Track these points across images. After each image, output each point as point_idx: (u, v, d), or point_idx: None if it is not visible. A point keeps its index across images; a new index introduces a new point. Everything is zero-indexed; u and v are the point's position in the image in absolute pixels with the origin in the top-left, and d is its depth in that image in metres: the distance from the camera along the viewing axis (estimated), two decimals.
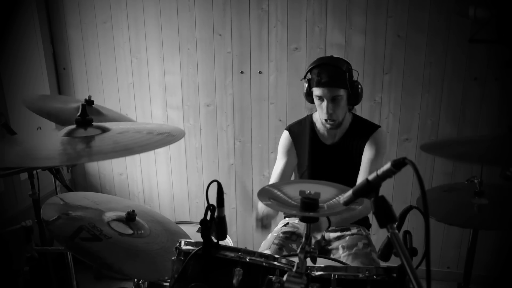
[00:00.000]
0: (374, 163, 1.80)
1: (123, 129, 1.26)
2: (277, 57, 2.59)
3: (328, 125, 1.80)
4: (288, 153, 1.93)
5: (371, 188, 0.92)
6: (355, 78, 1.80)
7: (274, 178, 1.93)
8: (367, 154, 1.83)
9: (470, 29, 2.32)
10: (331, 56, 1.83)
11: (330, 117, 1.76)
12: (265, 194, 1.12)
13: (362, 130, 1.86)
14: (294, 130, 1.94)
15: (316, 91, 1.75)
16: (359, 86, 1.78)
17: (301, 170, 1.96)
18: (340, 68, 1.72)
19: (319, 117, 1.84)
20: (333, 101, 1.74)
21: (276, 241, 1.81)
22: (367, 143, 1.84)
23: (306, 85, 1.81)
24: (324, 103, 1.75)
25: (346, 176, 1.78)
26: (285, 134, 1.96)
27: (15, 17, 2.54)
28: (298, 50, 2.56)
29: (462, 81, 2.45)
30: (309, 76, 1.79)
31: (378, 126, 1.88)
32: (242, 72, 2.65)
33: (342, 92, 1.73)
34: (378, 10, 2.43)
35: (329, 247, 1.86)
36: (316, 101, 1.79)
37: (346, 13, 2.47)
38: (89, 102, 1.79)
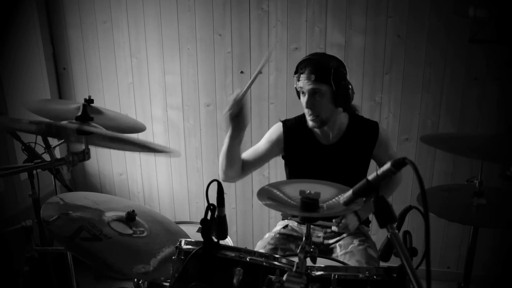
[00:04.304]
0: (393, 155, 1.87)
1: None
2: (277, 57, 2.59)
3: (310, 122, 1.75)
4: (272, 143, 1.88)
5: (371, 188, 0.92)
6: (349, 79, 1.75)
7: (248, 154, 1.89)
8: (381, 153, 1.84)
9: (470, 29, 2.32)
10: (323, 53, 1.79)
11: (310, 111, 1.71)
12: (265, 194, 1.12)
13: (361, 131, 1.83)
14: (289, 124, 1.88)
15: (298, 84, 1.71)
16: (349, 87, 1.70)
17: (292, 165, 1.91)
18: (325, 63, 1.66)
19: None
20: (313, 95, 1.68)
21: (272, 241, 1.80)
22: (375, 147, 1.83)
23: (296, 80, 1.76)
24: (305, 97, 1.71)
25: (344, 176, 1.75)
26: (278, 125, 1.90)
27: (15, 17, 2.54)
28: (298, 50, 2.56)
29: (462, 81, 2.45)
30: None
31: (376, 124, 1.84)
32: (242, 72, 2.65)
33: (323, 88, 1.66)
34: (378, 10, 2.43)
35: (328, 247, 1.86)
36: (300, 95, 1.75)
37: (346, 13, 2.47)
38: (88, 101, 1.79)
